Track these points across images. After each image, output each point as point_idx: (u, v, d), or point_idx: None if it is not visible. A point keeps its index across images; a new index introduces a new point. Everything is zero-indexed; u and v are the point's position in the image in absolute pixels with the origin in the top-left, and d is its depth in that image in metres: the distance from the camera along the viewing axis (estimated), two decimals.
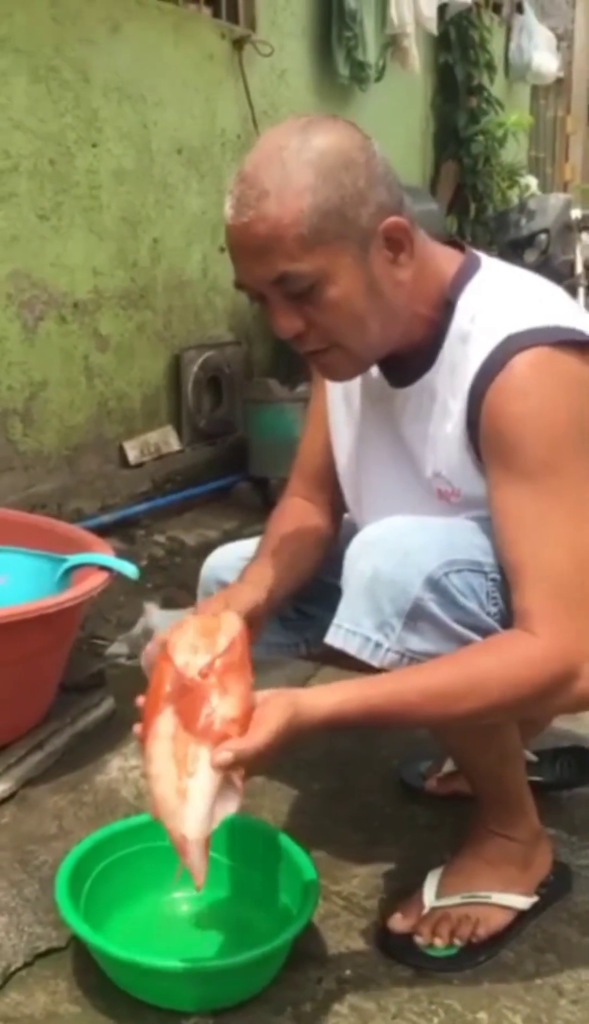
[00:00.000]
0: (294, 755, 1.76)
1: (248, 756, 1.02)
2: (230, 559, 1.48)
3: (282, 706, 1.05)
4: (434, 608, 1.14)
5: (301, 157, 1.09)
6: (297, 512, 1.46)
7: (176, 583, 2.61)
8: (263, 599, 1.29)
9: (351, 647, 1.17)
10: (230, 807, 1.03)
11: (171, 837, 1.02)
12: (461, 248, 1.26)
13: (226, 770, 1.02)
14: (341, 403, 1.39)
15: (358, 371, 1.24)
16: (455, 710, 1.08)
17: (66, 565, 1.77)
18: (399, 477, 1.30)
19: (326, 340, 1.16)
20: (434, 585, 1.14)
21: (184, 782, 1.01)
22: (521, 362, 1.11)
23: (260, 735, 1.03)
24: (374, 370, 1.31)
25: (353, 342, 1.17)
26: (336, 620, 1.19)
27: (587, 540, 1.11)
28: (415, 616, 1.14)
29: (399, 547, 1.16)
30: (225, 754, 1.01)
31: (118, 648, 2.21)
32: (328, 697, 1.08)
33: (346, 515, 1.46)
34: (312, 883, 1.24)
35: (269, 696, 1.07)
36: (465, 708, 1.08)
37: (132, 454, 3.09)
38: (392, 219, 1.13)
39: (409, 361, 1.24)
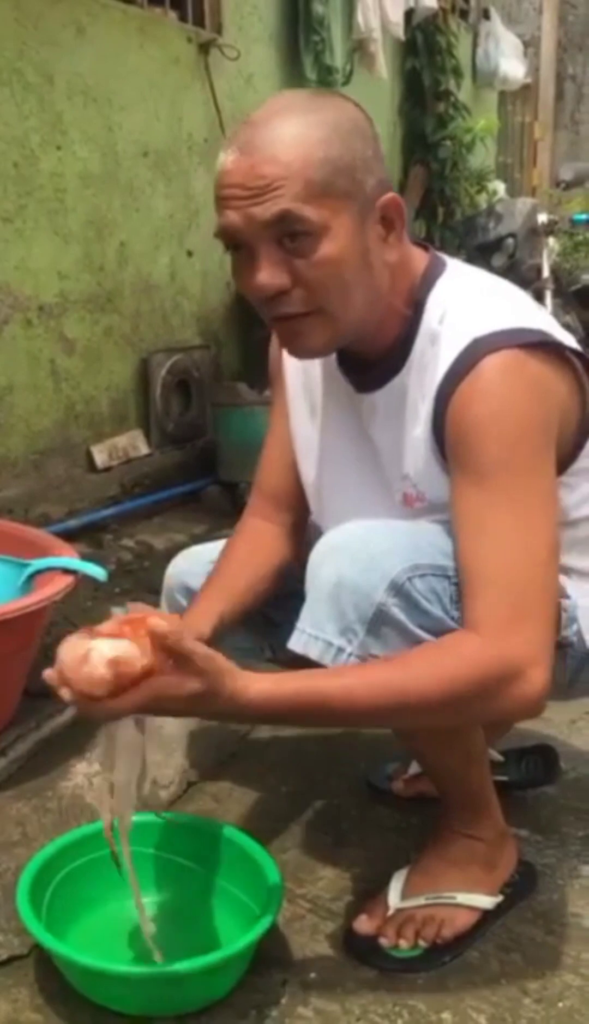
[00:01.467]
0: (261, 757, 1.76)
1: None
2: (194, 564, 1.47)
3: (212, 677, 1.01)
4: (398, 614, 1.14)
5: (318, 115, 1.09)
6: (253, 536, 1.44)
7: (144, 587, 2.60)
8: (210, 629, 1.28)
9: (313, 652, 1.16)
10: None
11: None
12: (425, 249, 1.26)
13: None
14: (305, 413, 1.38)
15: (328, 347, 1.20)
16: (386, 702, 1.06)
17: (29, 570, 1.75)
18: (364, 483, 1.30)
19: (308, 303, 1.12)
20: (398, 590, 1.13)
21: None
22: (488, 365, 1.11)
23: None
24: (339, 376, 1.30)
25: (337, 308, 1.13)
26: (299, 625, 1.18)
27: (539, 545, 1.10)
28: (378, 622, 1.14)
29: (363, 552, 1.15)
30: (161, 622, 0.98)
31: None
32: (262, 678, 1.05)
33: (311, 518, 1.46)
34: (276, 886, 1.24)
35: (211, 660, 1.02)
36: (395, 701, 1.06)
37: (100, 458, 3.07)
38: (390, 195, 1.13)
39: (377, 363, 1.23)
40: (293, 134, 1.06)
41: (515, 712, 1.13)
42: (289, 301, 1.12)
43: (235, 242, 1.12)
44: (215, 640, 1.27)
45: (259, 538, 1.44)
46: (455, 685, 1.06)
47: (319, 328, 1.15)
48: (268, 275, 1.10)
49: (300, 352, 1.21)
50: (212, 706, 1.03)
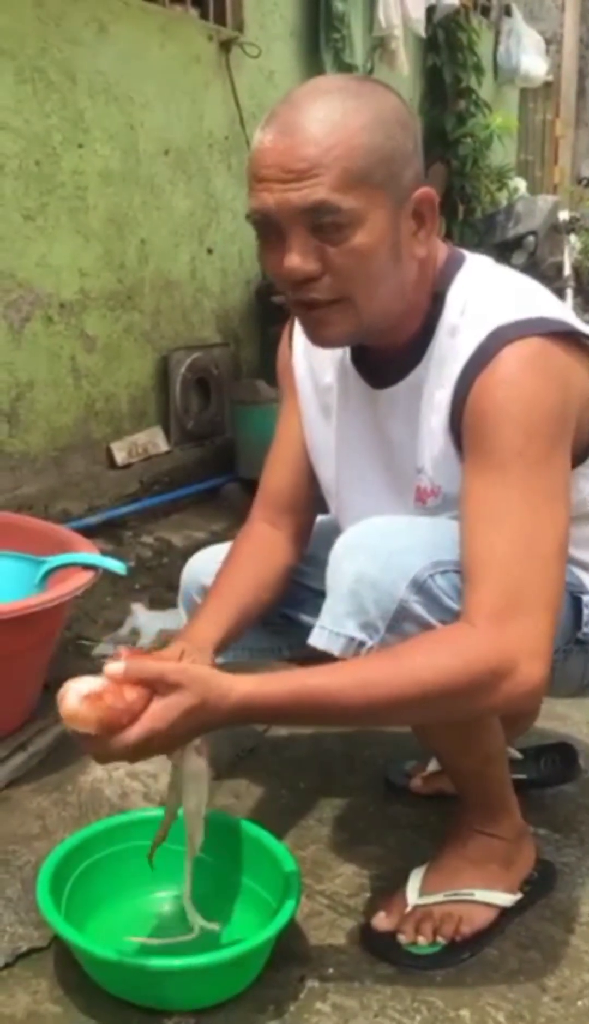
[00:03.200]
0: (279, 754, 1.76)
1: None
2: (211, 563, 1.47)
3: (196, 688, 1.02)
4: (419, 610, 1.13)
5: (360, 99, 1.07)
6: (257, 542, 1.42)
7: (163, 584, 2.61)
8: (218, 639, 1.27)
9: (335, 648, 1.16)
10: None
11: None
12: (443, 243, 1.25)
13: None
14: (319, 415, 1.37)
15: (351, 337, 1.19)
16: (379, 696, 1.04)
17: (46, 567, 1.76)
18: (381, 481, 1.30)
19: (337, 291, 1.11)
20: (420, 587, 1.13)
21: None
22: (511, 353, 1.10)
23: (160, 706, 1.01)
24: (354, 374, 1.30)
25: (363, 298, 1.12)
26: (320, 622, 1.18)
27: (545, 536, 1.08)
28: (400, 618, 1.13)
29: (384, 548, 1.15)
30: (119, 665, 1.01)
31: (104, 648, 2.20)
32: (247, 679, 1.05)
33: (326, 517, 1.46)
34: (294, 881, 1.24)
35: (189, 672, 1.03)
36: (390, 695, 1.04)
37: (119, 455, 3.08)
38: (425, 189, 1.12)
39: (394, 359, 1.23)
40: (335, 119, 1.05)
41: (510, 705, 1.08)
42: (317, 288, 1.11)
43: (266, 225, 1.10)
44: (219, 652, 1.27)
45: (262, 546, 1.41)
46: (445, 680, 1.03)
47: (344, 317, 1.14)
48: (299, 260, 1.09)
49: (323, 341, 1.20)
50: (208, 715, 1.03)
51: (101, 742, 1.00)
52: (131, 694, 1.01)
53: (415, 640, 1.10)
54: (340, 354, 1.32)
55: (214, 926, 1.20)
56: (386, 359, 1.24)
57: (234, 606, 1.32)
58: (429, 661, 1.05)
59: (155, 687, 1.02)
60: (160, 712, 1.01)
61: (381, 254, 1.10)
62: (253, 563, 1.39)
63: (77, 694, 1.01)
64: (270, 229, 1.10)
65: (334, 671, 1.08)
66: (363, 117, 1.06)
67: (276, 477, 1.45)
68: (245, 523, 1.46)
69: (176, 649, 1.20)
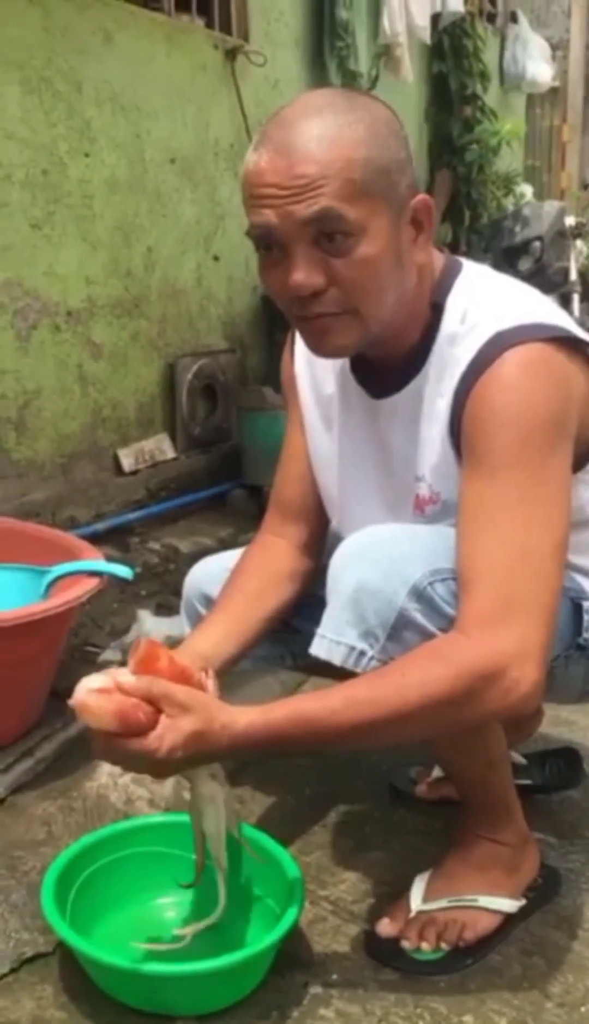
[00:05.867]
0: (284, 760, 1.76)
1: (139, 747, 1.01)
2: (213, 571, 1.47)
3: (202, 715, 1.04)
4: (419, 618, 1.13)
5: (353, 115, 1.07)
6: (266, 555, 1.41)
7: (170, 590, 2.61)
8: (221, 661, 1.26)
9: (335, 657, 1.16)
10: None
11: None
12: (439, 251, 1.26)
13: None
14: (321, 426, 1.38)
15: (355, 346, 1.19)
16: (371, 714, 1.04)
17: (49, 577, 1.76)
18: (382, 490, 1.30)
19: (343, 303, 1.11)
20: (420, 595, 1.13)
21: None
22: (510, 358, 1.10)
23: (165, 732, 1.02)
24: (354, 384, 1.30)
25: (370, 309, 1.12)
26: (320, 631, 1.19)
27: (541, 541, 1.08)
28: (400, 626, 1.14)
29: (384, 557, 1.15)
30: (130, 678, 1.03)
31: (111, 655, 2.21)
32: (249, 710, 1.06)
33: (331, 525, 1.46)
34: (298, 887, 1.24)
35: (197, 698, 1.05)
36: (382, 712, 1.04)
37: (126, 462, 3.09)
38: (422, 196, 1.13)
39: (394, 368, 1.23)
40: (331, 134, 1.05)
41: (505, 710, 1.06)
42: (323, 301, 1.11)
43: (268, 241, 1.10)
44: (225, 670, 1.27)
45: (271, 557, 1.40)
46: (435, 691, 1.03)
47: (350, 328, 1.14)
48: (304, 275, 1.09)
49: (327, 351, 1.20)
50: (211, 743, 1.04)
51: (113, 738, 1.02)
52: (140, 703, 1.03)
53: (407, 655, 1.10)
54: (340, 364, 1.32)
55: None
56: (386, 368, 1.24)
57: (238, 625, 1.31)
58: (418, 674, 1.04)
59: (161, 705, 1.03)
60: (162, 731, 1.02)
61: (385, 263, 1.10)
62: (259, 581, 1.37)
63: (87, 689, 1.02)
64: (272, 245, 1.10)
65: (325, 694, 1.08)
66: (358, 131, 1.07)
67: (286, 487, 1.44)
68: (256, 534, 1.46)
69: (187, 658, 1.19)
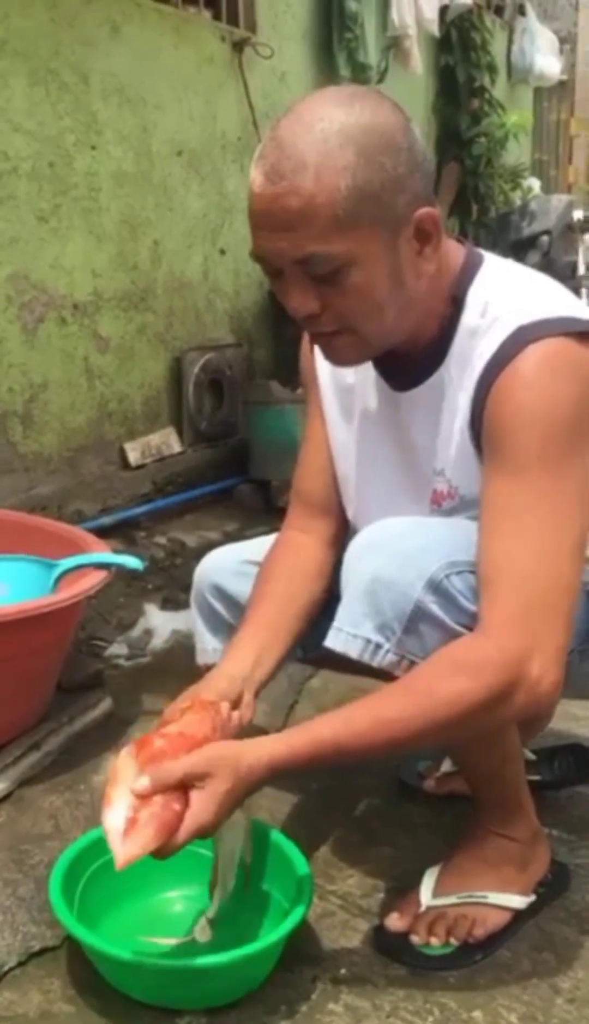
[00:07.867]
0: None
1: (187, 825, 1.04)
2: (224, 562, 1.46)
3: (226, 771, 1.06)
4: (435, 610, 1.12)
5: (344, 133, 1.04)
6: (293, 554, 1.38)
7: (176, 584, 2.61)
8: (260, 678, 1.26)
9: (352, 650, 1.15)
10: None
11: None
12: (461, 243, 1.24)
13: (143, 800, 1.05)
14: (340, 417, 1.37)
15: (364, 358, 1.20)
16: (400, 733, 1.06)
17: (58, 570, 1.76)
18: (400, 483, 1.29)
19: (339, 323, 1.12)
20: (436, 587, 1.12)
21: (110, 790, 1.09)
22: (533, 353, 1.09)
23: (202, 802, 1.05)
24: (375, 376, 1.29)
25: (367, 328, 1.13)
26: (336, 623, 1.17)
27: (563, 542, 1.08)
28: (417, 619, 1.13)
29: (399, 549, 1.14)
30: (143, 780, 1.05)
31: (117, 649, 2.21)
32: (272, 742, 1.09)
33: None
34: (306, 882, 1.23)
35: (213, 758, 1.07)
36: (411, 729, 1.06)
37: (133, 456, 3.09)
38: (425, 209, 1.10)
39: (415, 362, 1.22)
40: (317, 162, 1.03)
41: (528, 712, 1.08)
42: (321, 322, 1.13)
43: (264, 265, 1.13)
44: (266, 683, 1.27)
45: (300, 558, 1.38)
46: (464, 704, 1.04)
47: (351, 344, 1.16)
48: (298, 302, 1.11)
49: (335, 363, 1.23)
50: (246, 789, 1.07)
51: (168, 844, 1.04)
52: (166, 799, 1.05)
53: (431, 665, 1.09)
54: None
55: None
56: (407, 361, 1.23)
57: (273, 637, 1.30)
58: (446, 690, 1.05)
59: (184, 784, 1.05)
60: (200, 807, 1.05)
61: (380, 286, 1.10)
62: (288, 580, 1.35)
63: (116, 832, 1.04)
64: (270, 269, 1.13)
65: (350, 716, 1.09)
66: (347, 155, 1.03)
67: (308, 480, 1.43)
68: (280, 531, 1.43)
69: (224, 681, 1.23)
